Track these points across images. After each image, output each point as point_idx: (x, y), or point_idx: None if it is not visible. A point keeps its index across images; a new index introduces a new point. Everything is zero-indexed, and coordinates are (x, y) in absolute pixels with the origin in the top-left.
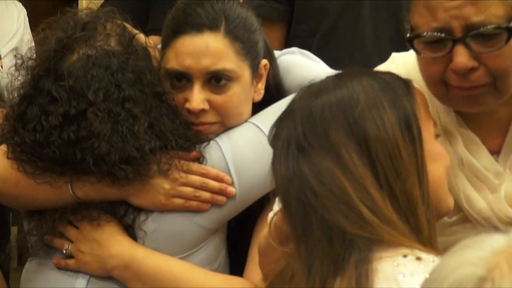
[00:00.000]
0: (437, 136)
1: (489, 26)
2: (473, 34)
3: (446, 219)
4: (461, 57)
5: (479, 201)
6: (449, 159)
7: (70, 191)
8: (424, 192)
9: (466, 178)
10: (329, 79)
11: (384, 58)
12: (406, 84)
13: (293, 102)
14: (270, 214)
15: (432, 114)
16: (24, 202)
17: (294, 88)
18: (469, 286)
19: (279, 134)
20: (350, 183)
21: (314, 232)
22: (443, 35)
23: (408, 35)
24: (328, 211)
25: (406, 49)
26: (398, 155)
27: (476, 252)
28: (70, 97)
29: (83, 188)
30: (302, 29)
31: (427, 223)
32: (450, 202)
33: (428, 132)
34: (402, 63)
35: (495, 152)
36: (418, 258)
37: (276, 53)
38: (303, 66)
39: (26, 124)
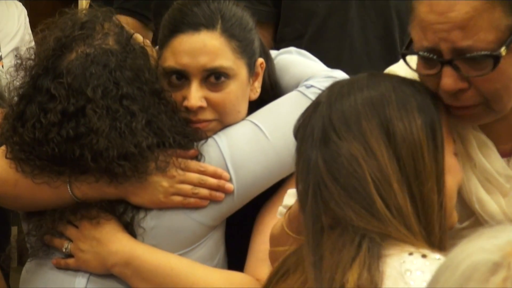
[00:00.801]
0: (455, 154)
1: (476, 53)
2: (460, 58)
3: (457, 225)
4: (449, 78)
5: (491, 204)
6: (462, 177)
7: (69, 190)
8: (442, 200)
9: (479, 181)
10: (361, 77)
11: (373, 58)
12: (433, 94)
13: (320, 96)
14: (281, 209)
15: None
16: (23, 203)
17: (291, 86)
18: (483, 271)
19: (305, 126)
20: (371, 172)
21: (324, 225)
22: (432, 55)
23: (404, 48)
24: (339, 206)
25: (394, 49)
26: (420, 157)
27: (491, 240)
28: (69, 94)
29: (81, 187)
30: (289, 31)
31: (439, 231)
32: (455, 217)
33: (448, 145)
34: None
35: (507, 156)
36: (424, 256)
37: (273, 52)
38: (301, 65)
39: (25, 123)
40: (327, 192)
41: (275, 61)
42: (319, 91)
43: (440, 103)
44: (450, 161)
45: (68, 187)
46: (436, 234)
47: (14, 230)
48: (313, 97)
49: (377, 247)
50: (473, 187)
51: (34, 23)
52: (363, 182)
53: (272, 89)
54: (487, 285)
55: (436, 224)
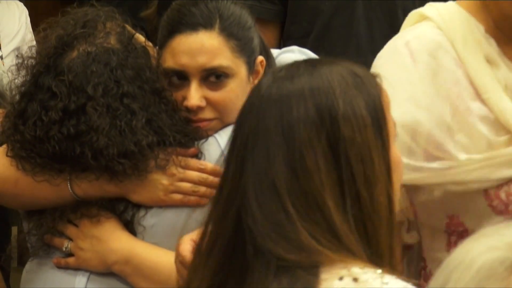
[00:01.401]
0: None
1: None
2: None
3: (496, 137)
4: None
5: None
6: (402, 167)
7: (69, 188)
8: (391, 199)
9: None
10: (300, 67)
11: None
12: (375, 80)
13: (258, 89)
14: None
15: (473, 43)
16: (24, 201)
17: None
18: (501, 270)
19: (238, 128)
20: (298, 197)
21: (248, 255)
22: None
23: None
24: (262, 236)
25: None
26: (369, 160)
27: (500, 238)
28: (70, 92)
29: (81, 185)
30: (295, 29)
31: (388, 233)
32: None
33: (392, 136)
34: (445, 8)
35: None
36: (355, 279)
37: (275, 51)
38: None
39: (26, 121)
40: (251, 217)
41: (277, 60)
42: None
43: (380, 85)
44: (394, 154)
45: (68, 184)
46: (383, 240)
47: (14, 230)
48: None
49: (309, 281)
50: (507, 105)
51: (34, 23)
52: (285, 211)
53: None
54: (509, 284)
55: (384, 228)
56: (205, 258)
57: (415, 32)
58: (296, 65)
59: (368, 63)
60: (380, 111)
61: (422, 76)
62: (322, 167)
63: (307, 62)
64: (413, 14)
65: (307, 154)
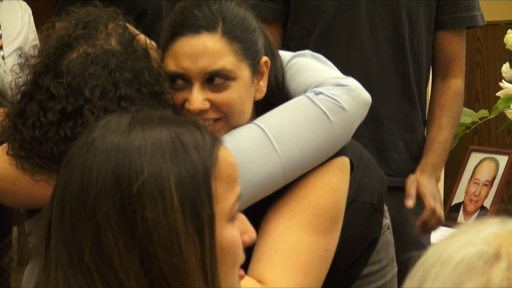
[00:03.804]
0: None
1: None
2: None
3: None
4: None
5: None
6: (241, 248)
7: None
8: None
9: None
10: (119, 124)
11: (382, 58)
12: (211, 149)
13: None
14: None
15: None
16: (21, 199)
17: (300, 92)
18: (480, 264)
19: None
20: (108, 277)
21: None
22: None
23: None
24: None
25: (404, 49)
26: (177, 248)
27: (476, 234)
28: (68, 94)
29: None
30: (297, 29)
31: None
32: None
33: (221, 214)
34: None
35: None
36: None
37: (288, 54)
38: (312, 70)
39: (26, 120)
40: None
41: (289, 64)
42: (328, 99)
43: (217, 155)
44: (227, 236)
45: None
46: None
47: (14, 230)
48: (321, 104)
49: None
50: None
51: (34, 23)
52: None
53: (279, 91)
54: (489, 278)
55: None
56: None
57: None
58: (116, 121)
59: (371, 64)
60: (202, 189)
61: None
62: (123, 251)
63: (133, 117)
64: None
65: (104, 233)
